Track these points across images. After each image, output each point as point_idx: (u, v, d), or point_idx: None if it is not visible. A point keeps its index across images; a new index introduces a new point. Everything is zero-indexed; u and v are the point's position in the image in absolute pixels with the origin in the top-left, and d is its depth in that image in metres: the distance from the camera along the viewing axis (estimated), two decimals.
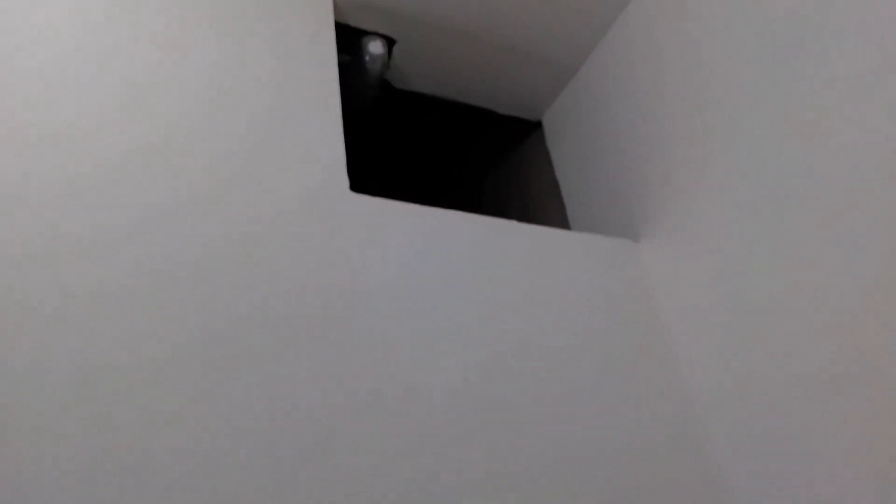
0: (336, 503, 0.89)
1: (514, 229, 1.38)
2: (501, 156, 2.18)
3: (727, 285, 1.27)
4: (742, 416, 1.20)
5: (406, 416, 1.01)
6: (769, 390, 1.16)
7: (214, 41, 1.26)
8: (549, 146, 1.93)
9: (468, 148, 2.16)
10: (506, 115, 1.96)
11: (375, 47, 1.61)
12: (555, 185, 1.88)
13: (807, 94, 1.15)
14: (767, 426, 1.15)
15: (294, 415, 0.94)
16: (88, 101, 1.07)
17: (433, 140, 2.10)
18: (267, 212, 1.11)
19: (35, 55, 1.07)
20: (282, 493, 0.87)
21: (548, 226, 1.53)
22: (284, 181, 1.16)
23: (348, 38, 1.59)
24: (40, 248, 0.92)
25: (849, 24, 1.09)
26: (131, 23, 1.19)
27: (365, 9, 1.56)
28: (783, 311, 1.15)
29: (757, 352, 1.19)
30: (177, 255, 1.00)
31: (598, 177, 1.69)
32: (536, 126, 2.00)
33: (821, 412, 1.07)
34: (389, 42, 1.65)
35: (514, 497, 1.02)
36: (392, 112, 1.88)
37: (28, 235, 0.92)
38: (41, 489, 0.76)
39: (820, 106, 1.13)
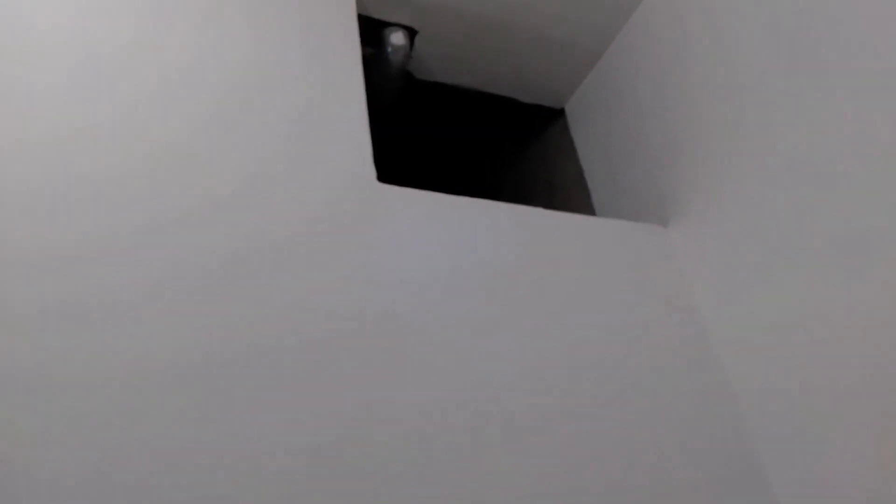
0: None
1: (542, 216, 1.37)
2: (525, 144, 2.17)
3: (758, 269, 1.26)
4: (781, 405, 1.19)
5: (442, 408, 1.01)
6: (806, 376, 1.14)
7: (238, 37, 1.26)
8: (573, 134, 1.92)
9: (491, 137, 2.16)
10: (529, 104, 1.95)
11: (397, 38, 1.61)
12: (579, 173, 1.86)
13: (840, 78, 1.13)
14: (807, 417, 1.14)
15: (340, 407, 0.95)
16: (115, 99, 1.09)
17: (456, 130, 2.09)
18: (296, 205, 1.12)
19: (63, 55, 1.09)
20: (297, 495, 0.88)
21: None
22: (313, 174, 1.16)
23: (370, 30, 1.59)
24: (65, 250, 0.93)
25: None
26: (158, 20, 1.20)
27: (386, 0, 1.56)
28: (815, 296, 1.13)
29: (792, 337, 1.17)
30: (209, 250, 1.01)
31: (624, 163, 1.68)
32: (559, 114, 1.98)
33: (861, 400, 1.05)
34: (411, 33, 1.65)
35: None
36: (415, 103, 1.88)
37: (50, 236, 0.93)
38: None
39: (853, 90, 1.11)
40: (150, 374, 0.87)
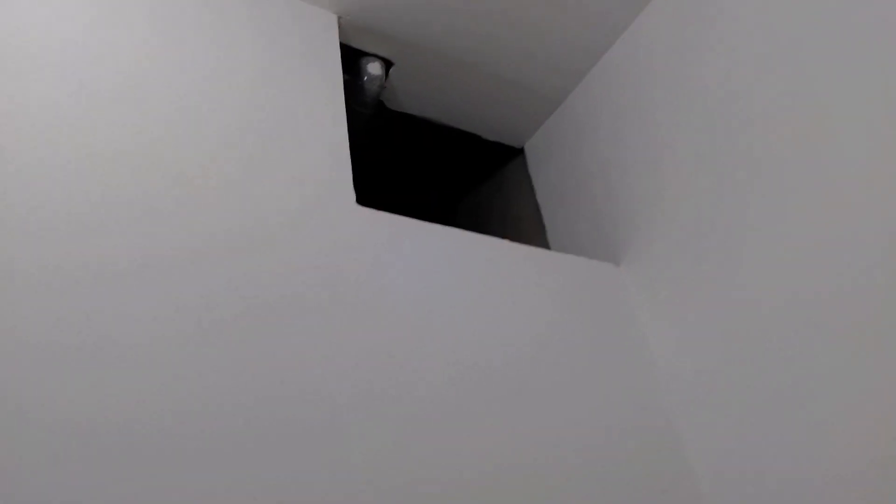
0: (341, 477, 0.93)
1: (502, 247, 1.44)
2: (483, 178, 2.26)
3: (707, 309, 1.36)
4: (722, 442, 1.27)
5: (399, 412, 1.06)
6: (750, 410, 1.24)
7: (224, 56, 1.30)
8: (532, 172, 2.02)
9: (453, 169, 2.23)
10: (490, 140, 2.04)
11: (374, 68, 1.67)
12: (536, 210, 1.96)
13: (777, 126, 1.27)
14: (751, 449, 1.22)
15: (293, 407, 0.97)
16: (115, 126, 1.10)
17: (421, 159, 2.16)
18: (275, 220, 1.15)
19: (71, 71, 1.10)
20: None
21: None
22: (294, 193, 1.20)
23: (349, 58, 1.65)
24: (36, 228, 0.93)
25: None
26: (160, 45, 1.23)
27: (367, 31, 1.63)
28: (764, 332, 1.24)
29: (737, 373, 1.27)
30: (181, 261, 1.02)
31: (580, 203, 1.78)
32: (519, 152, 2.08)
33: (804, 426, 1.16)
34: (387, 64, 1.72)
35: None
36: (385, 131, 1.94)
37: (22, 221, 0.93)
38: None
39: (793, 135, 1.24)
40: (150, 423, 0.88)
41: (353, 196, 1.26)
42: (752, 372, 1.24)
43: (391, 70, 1.73)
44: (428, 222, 1.32)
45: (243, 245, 1.09)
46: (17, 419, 0.79)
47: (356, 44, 1.65)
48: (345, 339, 1.07)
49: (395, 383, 1.08)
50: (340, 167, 1.29)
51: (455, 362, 1.17)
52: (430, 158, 2.20)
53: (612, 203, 1.66)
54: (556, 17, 1.67)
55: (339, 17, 1.55)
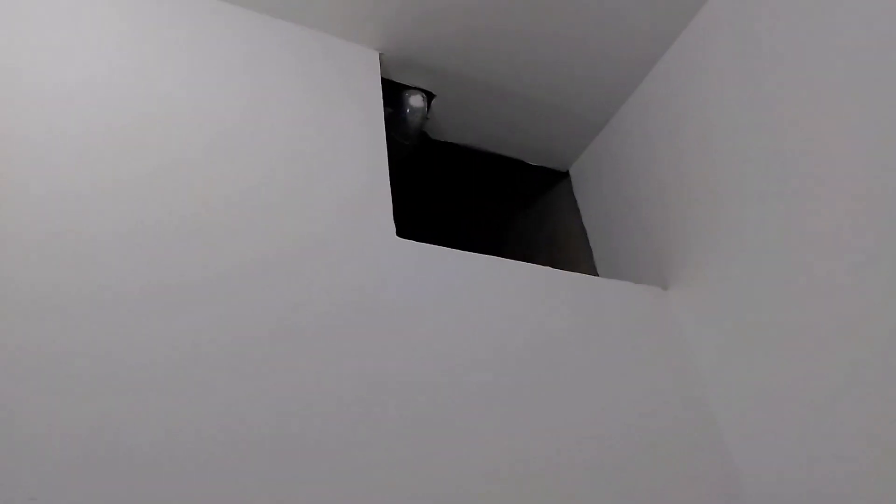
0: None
1: (546, 274, 1.44)
2: (529, 203, 2.26)
3: (757, 333, 1.32)
4: (774, 466, 1.23)
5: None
6: (801, 432, 1.19)
7: (269, 92, 1.36)
8: (577, 195, 2.01)
9: (498, 195, 2.25)
10: (535, 166, 2.05)
11: (416, 101, 1.71)
12: (582, 233, 1.94)
13: (834, 151, 1.23)
14: (801, 475, 1.19)
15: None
16: (155, 156, 1.17)
17: (465, 188, 2.19)
18: (314, 250, 1.19)
19: (94, 110, 1.18)
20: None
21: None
22: (334, 224, 1.24)
23: (391, 92, 1.70)
24: (59, 250, 0.98)
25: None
26: (206, 80, 1.30)
27: (408, 66, 1.67)
28: (812, 358, 1.19)
29: (787, 398, 1.23)
30: (222, 283, 1.07)
31: (626, 225, 1.76)
32: (564, 175, 2.08)
33: (859, 464, 1.11)
34: (429, 96, 1.75)
35: None
36: (428, 161, 1.98)
37: (47, 236, 0.99)
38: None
39: (846, 160, 1.20)
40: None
41: (394, 228, 1.29)
42: (804, 398, 1.19)
43: (433, 101, 1.77)
44: (466, 252, 1.33)
45: (283, 273, 1.13)
46: (40, 444, 0.83)
47: (398, 78, 1.69)
48: (381, 366, 1.09)
49: (434, 410, 1.09)
50: (381, 200, 1.32)
51: (494, 392, 1.17)
52: (476, 186, 2.23)
53: (659, 226, 1.63)
54: (597, 35, 1.65)
55: (381, 54, 1.60)
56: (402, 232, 1.31)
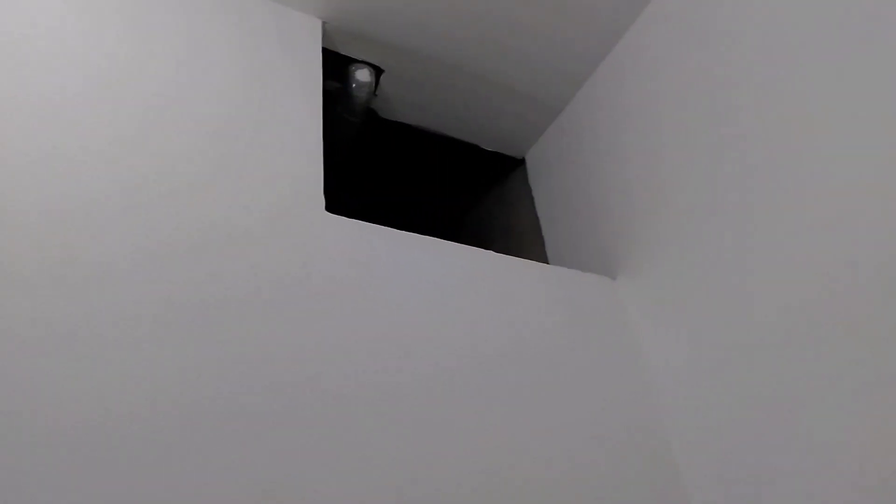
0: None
1: (493, 260, 1.38)
2: (484, 190, 2.19)
3: (702, 323, 1.27)
4: (718, 455, 1.18)
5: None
6: (744, 422, 1.14)
7: (202, 58, 1.27)
8: (532, 183, 1.95)
9: (452, 180, 2.18)
10: (490, 151, 1.98)
11: (363, 75, 1.63)
12: (535, 221, 1.88)
13: (780, 137, 1.18)
14: (741, 465, 1.14)
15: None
16: (98, 123, 1.09)
17: (417, 170, 2.11)
18: (242, 222, 1.11)
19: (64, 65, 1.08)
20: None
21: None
22: (262, 195, 1.16)
23: (337, 66, 1.62)
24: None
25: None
26: (136, 44, 1.22)
27: (355, 37, 1.59)
28: (759, 345, 1.15)
29: (732, 385, 1.18)
30: (147, 257, 0.99)
31: (578, 215, 1.70)
32: (520, 163, 2.02)
33: (803, 439, 1.06)
34: (377, 71, 1.67)
35: None
36: (377, 141, 1.90)
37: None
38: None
39: (794, 146, 1.15)
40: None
41: (323, 202, 1.21)
42: (748, 384, 1.15)
43: (382, 77, 1.69)
44: (399, 230, 1.26)
45: (208, 245, 1.06)
46: (10, 417, 0.79)
47: (344, 50, 1.61)
48: (306, 343, 1.03)
49: (378, 392, 1.03)
50: (312, 172, 1.24)
51: (438, 372, 1.11)
52: (432, 170, 2.15)
53: (608, 215, 1.58)
54: (554, 20, 1.60)
55: (324, 23, 1.52)
56: (352, 215, 1.23)
